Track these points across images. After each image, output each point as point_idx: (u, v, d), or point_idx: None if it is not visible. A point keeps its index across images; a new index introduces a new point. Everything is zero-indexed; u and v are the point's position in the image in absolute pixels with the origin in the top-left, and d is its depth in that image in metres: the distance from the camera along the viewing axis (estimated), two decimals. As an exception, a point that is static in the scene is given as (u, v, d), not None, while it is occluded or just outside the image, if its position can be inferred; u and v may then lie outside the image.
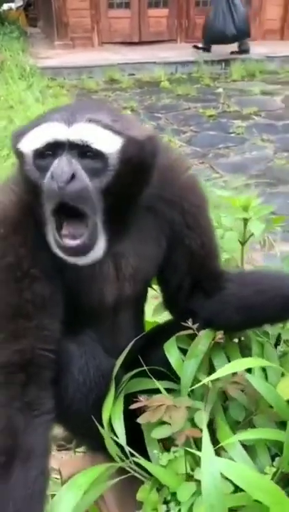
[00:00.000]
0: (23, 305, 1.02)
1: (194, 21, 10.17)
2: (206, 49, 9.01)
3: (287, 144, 5.53)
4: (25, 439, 0.98)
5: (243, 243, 1.40)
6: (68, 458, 1.62)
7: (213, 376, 0.96)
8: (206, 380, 0.98)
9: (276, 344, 1.29)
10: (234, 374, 1.12)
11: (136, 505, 1.14)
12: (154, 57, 8.92)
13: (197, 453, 0.90)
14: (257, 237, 1.31)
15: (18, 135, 0.99)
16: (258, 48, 9.41)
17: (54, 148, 0.93)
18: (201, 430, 0.94)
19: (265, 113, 6.53)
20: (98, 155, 0.93)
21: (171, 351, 1.18)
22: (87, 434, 1.18)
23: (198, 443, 1.08)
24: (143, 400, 1.06)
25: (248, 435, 0.98)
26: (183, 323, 1.17)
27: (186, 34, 10.23)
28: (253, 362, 1.01)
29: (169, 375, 1.20)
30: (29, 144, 0.95)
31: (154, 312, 1.43)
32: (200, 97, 7.30)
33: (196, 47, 9.18)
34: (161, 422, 1.11)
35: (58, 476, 1.49)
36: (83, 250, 0.98)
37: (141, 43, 9.98)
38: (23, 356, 1.03)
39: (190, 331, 1.16)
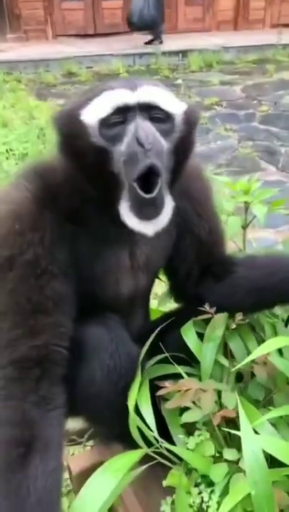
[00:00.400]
0: (43, 301, 1.01)
1: (149, 13, 10.15)
2: (156, 40, 9.04)
3: (250, 133, 5.63)
4: (42, 431, 0.98)
5: (244, 227, 1.42)
6: (77, 453, 1.61)
7: (252, 356, 0.98)
8: (250, 358, 0.98)
9: (286, 324, 1.32)
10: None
11: (161, 493, 1.15)
12: (111, 49, 8.87)
13: (236, 432, 0.91)
14: (261, 221, 1.33)
15: (74, 110, 0.95)
16: (213, 39, 9.53)
17: (123, 114, 0.93)
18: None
19: (226, 103, 6.63)
20: (167, 116, 0.95)
21: (188, 335, 1.19)
22: (110, 422, 1.17)
23: (221, 425, 1.10)
24: (169, 386, 1.06)
25: (277, 412, 1.00)
26: (200, 308, 1.18)
27: (141, 26, 10.19)
28: (282, 341, 1.03)
29: (186, 359, 1.21)
30: (93, 114, 0.93)
31: (160, 302, 1.44)
32: (160, 88, 7.30)
33: (148, 43, 9.18)
34: (183, 408, 1.13)
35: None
36: (157, 213, 0.97)
37: (96, 35, 9.89)
38: (39, 352, 1.01)
39: (208, 315, 1.17)
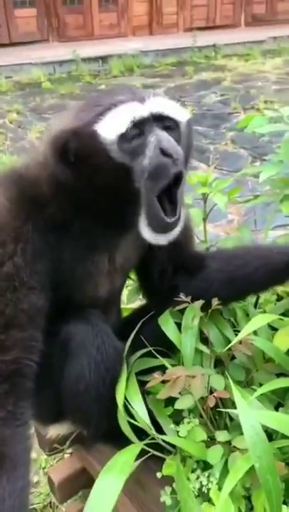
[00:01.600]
0: (17, 315, 0.98)
1: (64, 20, 10.14)
2: None
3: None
4: (10, 449, 0.95)
5: (204, 219, 1.45)
6: (57, 463, 1.58)
7: (240, 336, 1.01)
8: (238, 338, 1.01)
9: (255, 307, 1.37)
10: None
11: (156, 485, 1.16)
12: (30, 58, 8.75)
13: (233, 411, 0.94)
14: (223, 209, 1.38)
15: (87, 127, 0.91)
16: (130, 44, 9.67)
17: (139, 127, 0.92)
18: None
19: (151, 105, 6.73)
20: (176, 124, 0.97)
21: (167, 326, 1.20)
22: (99, 418, 1.15)
23: (206, 410, 1.12)
24: (158, 376, 1.07)
25: (264, 389, 1.03)
26: (176, 299, 1.20)
27: (57, 33, 10.15)
28: (267, 317, 1.06)
29: (165, 351, 1.23)
30: (111, 130, 0.91)
31: (128, 299, 1.44)
32: (84, 94, 7.30)
33: None
34: (168, 400, 1.15)
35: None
36: (175, 226, 1.00)
37: (12, 44, 9.71)
38: (8, 367, 0.98)
39: (186, 305, 1.19)
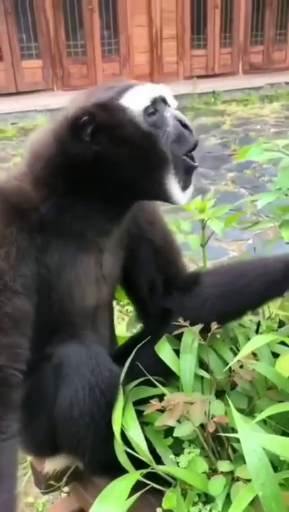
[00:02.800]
0: (1, 319, 0.97)
1: (68, 70, 10.53)
2: None
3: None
4: None
5: (203, 245, 1.45)
6: (54, 504, 1.50)
7: (239, 356, 0.97)
8: (237, 358, 0.98)
9: (256, 332, 1.34)
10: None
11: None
12: (35, 105, 9.02)
13: (234, 435, 0.90)
14: (220, 235, 1.37)
15: (113, 101, 0.99)
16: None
17: (154, 105, 1.01)
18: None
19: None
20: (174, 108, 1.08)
21: (164, 352, 1.17)
22: (95, 447, 1.10)
23: (213, 436, 1.08)
24: (155, 403, 1.03)
25: (266, 413, 0.99)
26: (174, 323, 1.18)
27: (62, 82, 10.52)
28: (267, 338, 1.03)
29: (161, 380, 1.19)
30: (137, 105, 0.99)
31: (128, 327, 1.42)
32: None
33: None
34: (167, 430, 1.11)
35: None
36: (191, 181, 1.09)
37: (18, 93, 10.05)
38: None
39: (184, 329, 1.16)
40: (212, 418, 1.02)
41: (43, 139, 1.08)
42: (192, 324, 1.21)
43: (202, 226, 1.41)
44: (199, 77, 10.90)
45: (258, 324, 1.36)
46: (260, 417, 0.97)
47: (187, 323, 1.16)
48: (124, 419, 1.05)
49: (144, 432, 1.10)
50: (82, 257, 1.11)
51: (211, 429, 0.97)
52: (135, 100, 0.99)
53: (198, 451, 1.08)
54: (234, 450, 1.09)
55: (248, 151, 1.49)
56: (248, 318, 1.40)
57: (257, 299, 1.24)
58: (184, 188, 1.06)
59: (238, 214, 1.45)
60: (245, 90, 10.45)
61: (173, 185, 1.04)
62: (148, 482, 1.04)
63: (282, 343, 1.23)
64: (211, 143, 7.08)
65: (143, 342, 1.16)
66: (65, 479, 1.34)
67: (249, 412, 1.17)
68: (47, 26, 10.02)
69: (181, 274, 1.29)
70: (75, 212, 1.06)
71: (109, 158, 1.00)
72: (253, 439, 0.85)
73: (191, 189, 1.08)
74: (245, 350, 0.96)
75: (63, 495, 1.51)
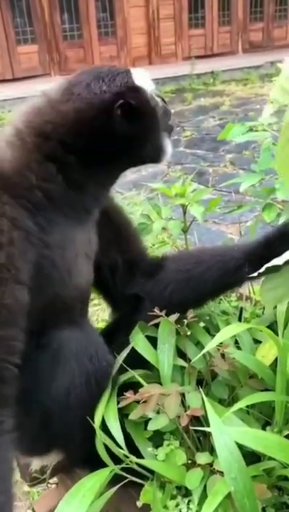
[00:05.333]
0: (1, 310, 0.93)
1: (65, 54, 10.39)
2: None
3: (178, 158, 5.78)
4: None
5: (185, 231, 1.41)
6: (41, 495, 1.49)
7: (208, 347, 0.93)
8: (206, 349, 0.94)
9: (239, 318, 1.31)
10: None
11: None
12: (32, 91, 8.88)
13: (205, 429, 0.87)
14: (199, 219, 1.33)
15: (125, 79, 1.06)
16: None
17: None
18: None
19: (152, 131, 6.80)
20: None
21: (139, 343, 1.14)
22: (84, 439, 1.09)
23: (187, 430, 1.05)
24: (130, 396, 1.00)
25: (243, 403, 0.96)
26: (150, 313, 1.14)
27: (59, 67, 10.39)
28: (240, 326, 1.00)
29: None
30: (147, 85, 1.09)
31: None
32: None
33: None
34: (148, 420, 1.08)
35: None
36: None
37: (15, 79, 9.94)
38: None
39: (159, 320, 1.13)
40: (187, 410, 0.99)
41: (43, 116, 1.06)
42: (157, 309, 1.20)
43: (183, 211, 1.37)
44: (198, 57, 10.71)
45: (241, 311, 1.32)
46: (235, 407, 0.93)
47: (163, 313, 1.12)
48: (106, 411, 1.03)
49: (124, 423, 1.07)
50: (79, 231, 1.11)
51: (184, 422, 0.94)
52: (145, 83, 1.09)
53: (177, 443, 1.05)
54: (216, 440, 1.07)
55: (230, 130, 1.44)
56: (232, 305, 1.37)
57: (215, 288, 1.22)
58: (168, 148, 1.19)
59: (218, 199, 1.40)
60: (244, 69, 10.27)
61: (168, 145, 1.17)
62: (126, 476, 1.02)
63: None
64: (210, 124, 6.97)
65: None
66: (49, 472, 1.33)
67: (232, 401, 1.15)
68: (42, 10, 9.86)
69: (143, 257, 1.28)
70: (79, 186, 1.07)
71: (129, 133, 1.08)
72: (224, 431, 0.82)
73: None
74: (214, 341, 0.92)
75: (52, 486, 1.50)
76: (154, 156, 1.18)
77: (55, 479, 1.44)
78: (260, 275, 1.12)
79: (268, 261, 1.08)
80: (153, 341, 1.15)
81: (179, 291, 1.22)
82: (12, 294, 0.93)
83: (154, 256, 1.31)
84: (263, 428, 1.10)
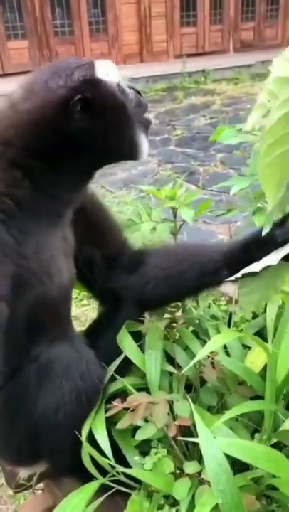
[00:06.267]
0: None
1: (55, 51, 10.30)
2: None
3: (168, 156, 5.78)
4: None
5: (175, 234, 1.39)
6: (27, 500, 1.47)
7: (199, 356, 0.91)
8: (197, 358, 0.91)
9: (228, 325, 1.29)
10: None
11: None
12: (22, 87, 8.85)
13: (193, 440, 0.85)
14: (189, 223, 1.31)
15: (89, 75, 1.00)
16: (121, 72, 9.78)
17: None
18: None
19: (141, 130, 6.77)
20: None
21: (126, 346, 1.12)
22: (71, 453, 1.07)
23: (177, 437, 1.04)
24: (118, 405, 0.98)
25: (232, 413, 0.95)
26: (139, 318, 1.13)
27: (49, 63, 10.29)
28: (230, 335, 0.98)
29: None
30: (111, 77, 1.02)
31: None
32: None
33: None
34: (135, 428, 1.06)
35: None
36: None
37: (5, 75, 9.84)
38: None
39: (147, 325, 1.11)
40: (176, 419, 0.98)
41: (3, 121, 1.02)
42: (137, 304, 1.21)
43: (173, 214, 1.35)
44: (189, 55, 10.69)
45: (230, 316, 1.31)
46: (224, 417, 0.92)
47: (152, 319, 1.11)
48: (93, 421, 1.01)
49: (111, 432, 1.06)
50: (52, 232, 1.08)
51: (171, 433, 0.92)
52: (109, 75, 1.02)
53: (165, 451, 1.04)
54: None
55: (221, 132, 1.43)
56: (222, 309, 1.36)
57: (194, 286, 1.21)
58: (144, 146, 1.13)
59: (208, 201, 1.38)
60: (235, 69, 10.28)
61: (142, 140, 1.10)
62: (113, 485, 1.00)
63: (255, 334, 1.19)
64: (201, 123, 6.97)
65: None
66: (35, 478, 1.30)
67: (221, 408, 1.13)
68: (32, 5, 9.76)
69: (123, 251, 1.26)
70: (47, 190, 1.03)
71: (93, 130, 1.01)
72: (212, 442, 0.81)
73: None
74: (204, 351, 0.90)
75: (38, 491, 1.48)
76: (128, 152, 1.12)
77: (41, 485, 1.42)
78: (237, 280, 1.11)
79: (245, 265, 1.07)
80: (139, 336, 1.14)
81: (160, 287, 1.21)
82: None
83: (136, 250, 1.29)
84: (252, 435, 1.09)
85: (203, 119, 7.17)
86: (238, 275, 1.07)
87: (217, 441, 0.82)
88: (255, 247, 1.09)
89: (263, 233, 1.00)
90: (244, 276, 1.06)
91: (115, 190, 4.81)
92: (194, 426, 1.03)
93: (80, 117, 0.98)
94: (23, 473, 1.30)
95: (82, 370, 1.03)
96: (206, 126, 6.77)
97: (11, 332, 0.98)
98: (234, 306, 1.39)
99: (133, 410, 0.97)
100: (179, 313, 1.35)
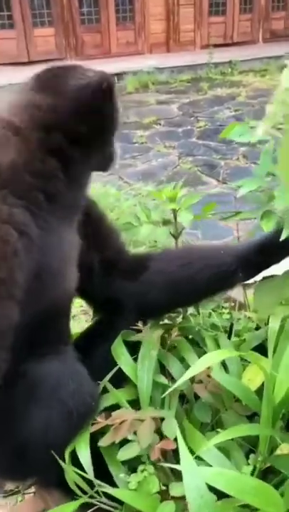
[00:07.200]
0: None
1: (82, 39, 10.23)
2: None
3: (189, 149, 5.67)
4: None
5: (176, 237, 1.32)
6: (19, 504, 1.44)
7: (190, 372, 0.85)
8: (188, 374, 0.84)
9: (229, 337, 1.22)
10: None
11: None
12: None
13: (176, 466, 0.79)
14: (187, 226, 1.24)
15: (101, 80, 1.01)
16: (146, 61, 9.68)
17: None
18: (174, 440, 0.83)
19: (164, 121, 6.67)
20: None
21: (120, 356, 1.06)
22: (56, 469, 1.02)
23: (167, 455, 0.98)
24: (101, 421, 0.92)
25: (224, 436, 0.88)
26: (133, 327, 1.07)
27: (75, 52, 10.24)
28: (226, 353, 0.92)
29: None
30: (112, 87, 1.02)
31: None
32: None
33: None
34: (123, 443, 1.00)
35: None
36: None
37: (30, 62, 9.82)
38: None
39: (140, 335, 1.05)
40: (163, 438, 0.91)
41: (38, 109, 0.98)
42: (139, 313, 1.15)
43: (174, 216, 1.28)
44: (216, 45, 10.46)
45: (231, 326, 1.23)
46: (216, 439, 0.85)
47: (146, 328, 1.05)
48: (78, 439, 0.95)
49: (96, 447, 1.00)
50: (68, 233, 1.04)
51: (153, 457, 0.86)
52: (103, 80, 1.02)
53: (152, 467, 0.98)
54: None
55: (232, 129, 1.34)
56: (224, 317, 1.29)
57: (205, 291, 1.17)
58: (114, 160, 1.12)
59: (213, 204, 1.31)
60: (264, 60, 10.01)
61: (108, 159, 1.09)
62: (96, 503, 0.95)
63: (256, 348, 1.12)
64: (225, 115, 6.81)
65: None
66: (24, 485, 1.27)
67: (216, 425, 1.07)
68: (59, -8, 9.70)
69: (121, 256, 1.20)
70: (79, 182, 1.04)
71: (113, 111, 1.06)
72: (195, 472, 0.74)
73: None
74: (196, 367, 0.84)
75: (28, 496, 1.44)
76: (109, 160, 1.12)
77: (32, 489, 1.39)
78: (255, 283, 1.07)
79: (261, 267, 1.05)
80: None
81: (165, 293, 1.15)
82: (3, 311, 0.84)
83: (136, 255, 1.24)
84: (247, 455, 1.02)
85: (227, 111, 7.01)
86: (258, 278, 1.05)
87: (201, 471, 0.76)
88: (273, 250, 1.07)
89: (283, 236, 0.96)
90: (265, 279, 1.04)
91: (133, 182, 4.74)
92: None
93: (107, 103, 1.02)
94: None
95: (73, 389, 0.97)
96: (230, 119, 6.61)
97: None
98: (238, 312, 1.32)
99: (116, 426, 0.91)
100: (179, 319, 1.29)
